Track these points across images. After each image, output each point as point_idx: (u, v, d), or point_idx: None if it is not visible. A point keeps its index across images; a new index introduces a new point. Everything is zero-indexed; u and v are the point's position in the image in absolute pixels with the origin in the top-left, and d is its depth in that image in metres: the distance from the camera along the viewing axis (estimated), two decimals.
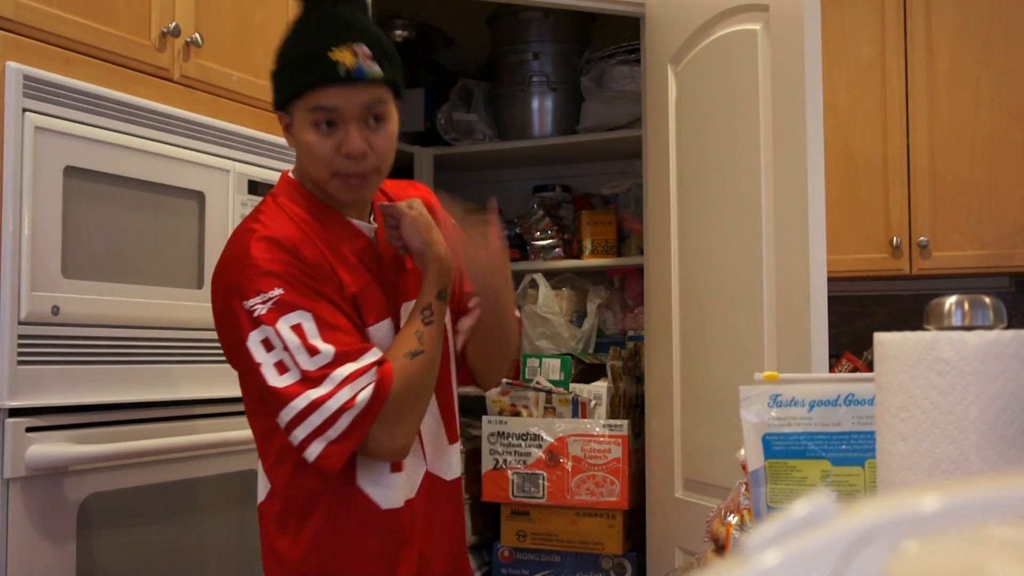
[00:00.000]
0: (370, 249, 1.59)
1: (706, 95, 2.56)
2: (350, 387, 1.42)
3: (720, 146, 2.48)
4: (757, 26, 2.34)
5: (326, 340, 1.44)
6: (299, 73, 1.50)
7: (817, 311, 2.12)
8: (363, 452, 1.47)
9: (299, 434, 1.42)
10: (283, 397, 1.42)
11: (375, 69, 1.49)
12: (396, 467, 1.54)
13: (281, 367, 1.43)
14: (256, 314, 1.44)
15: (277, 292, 1.44)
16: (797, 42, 2.18)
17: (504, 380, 3.19)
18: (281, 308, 1.44)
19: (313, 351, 1.42)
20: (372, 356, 1.46)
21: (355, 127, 1.49)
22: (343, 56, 1.46)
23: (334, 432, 1.42)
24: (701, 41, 2.57)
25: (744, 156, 2.35)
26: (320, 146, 1.49)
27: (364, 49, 1.48)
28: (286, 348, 1.43)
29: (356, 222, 1.59)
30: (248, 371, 1.49)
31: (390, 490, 1.54)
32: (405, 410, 1.47)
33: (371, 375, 1.44)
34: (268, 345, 1.44)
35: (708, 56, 2.55)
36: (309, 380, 1.42)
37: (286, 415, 1.42)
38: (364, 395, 1.42)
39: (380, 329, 1.55)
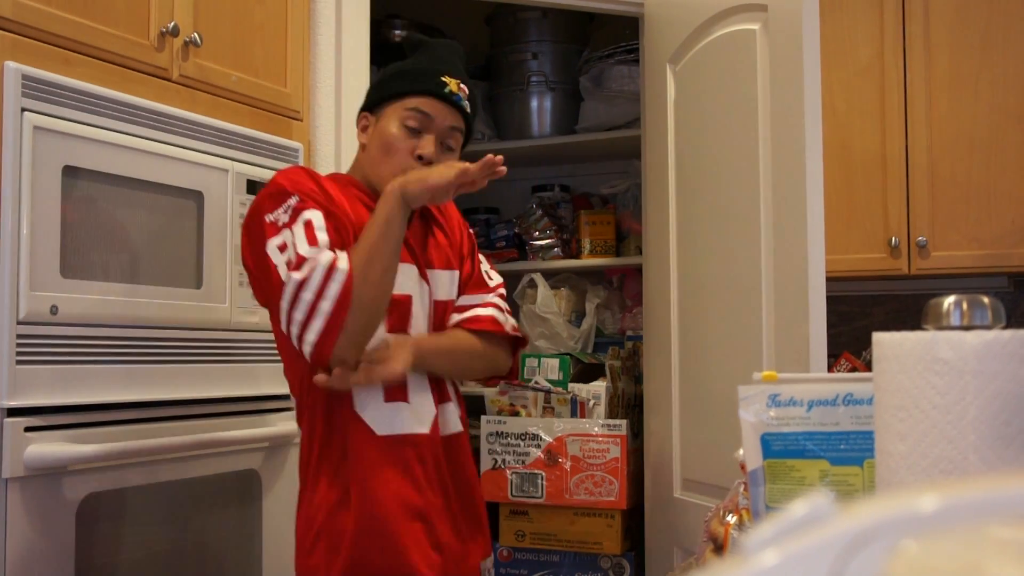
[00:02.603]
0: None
1: (705, 95, 2.56)
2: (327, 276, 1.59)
3: (719, 146, 2.48)
4: (756, 26, 2.33)
5: (328, 235, 1.64)
6: (409, 81, 1.79)
7: (815, 311, 2.12)
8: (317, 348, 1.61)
9: (297, 316, 1.58)
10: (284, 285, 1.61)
11: (467, 104, 1.81)
12: (389, 397, 1.72)
13: (291, 266, 1.61)
14: (279, 223, 1.64)
15: (294, 200, 1.66)
16: (796, 42, 2.18)
17: (502, 381, 3.19)
18: (296, 213, 1.64)
19: (313, 241, 1.62)
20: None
21: (435, 139, 1.77)
22: (451, 82, 1.79)
23: (324, 308, 1.58)
24: (700, 41, 2.57)
25: (743, 156, 2.35)
26: (402, 142, 1.76)
27: (465, 88, 1.81)
28: (295, 243, 1.61)
29: None
30: (266, 279, 1.65)
31: (388, 418, 1.72)
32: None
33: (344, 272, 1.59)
34: (283, 247, 1.62)
35: (707, 56, 2.55)
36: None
37: (284, 303, 1.60)
38: (337, 282, 1.58)
39: (400, 269, 1.71)
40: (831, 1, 2.89)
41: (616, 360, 3.18)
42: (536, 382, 3.13)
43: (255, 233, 1.68)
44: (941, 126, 2.85)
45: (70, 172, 1.83)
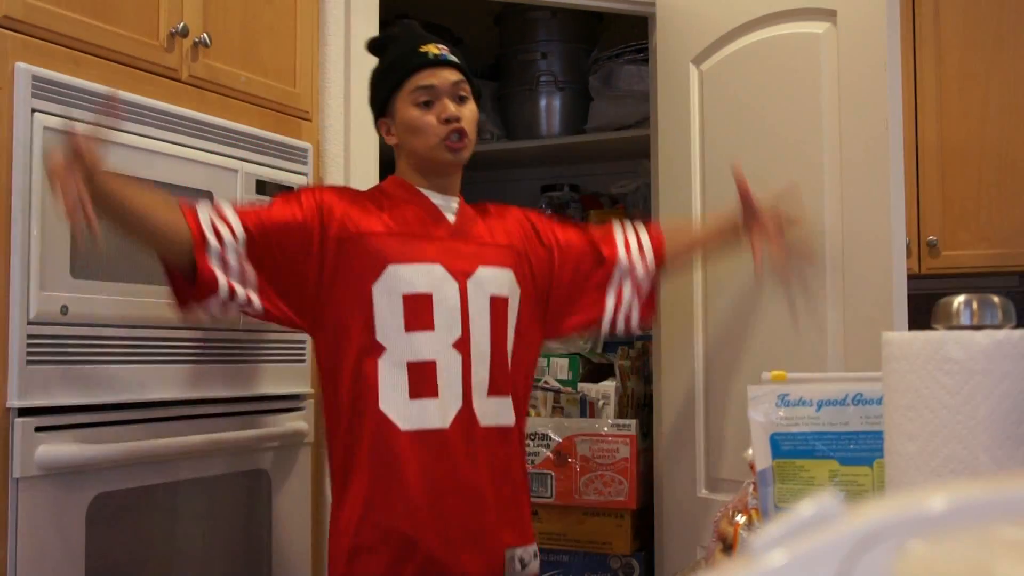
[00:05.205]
0: (437, 219, 1.92)
1: (747, 97, 2.48)
2: None
3: (763, 152, 2.42)
4: (820, 30, 2.30)
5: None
6: (397, 69, 1.92)
7: (898, 315, 2.20)
8: None
9: None
10: None
11: (453, 56, 1.93)
12: (414, 395, 1.81)
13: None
14: None
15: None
16: (874, 53, 2.17)
17: None
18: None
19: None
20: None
21: (448, 100, 1.89)
22: (429, 48, 1.92)
23: None
24: (736, 41, 2.50)
25: (799, 167, 2.32)
26: (424, 118, 1.89)
27: (443, 46, 1.94)
28: None
29: (438, 203, 1.94)
30: None
31: (410, 414, 1.81)
32: None
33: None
34: None
35: (748, 57, 2.47)
36: None
37: None
38: None
39: (420, 271, 1.84)
40: None
41: (626, 360, 3.17)
42: (545, 382, 3.13)
43: None
44: (952, 124, 2.84)
45: None
